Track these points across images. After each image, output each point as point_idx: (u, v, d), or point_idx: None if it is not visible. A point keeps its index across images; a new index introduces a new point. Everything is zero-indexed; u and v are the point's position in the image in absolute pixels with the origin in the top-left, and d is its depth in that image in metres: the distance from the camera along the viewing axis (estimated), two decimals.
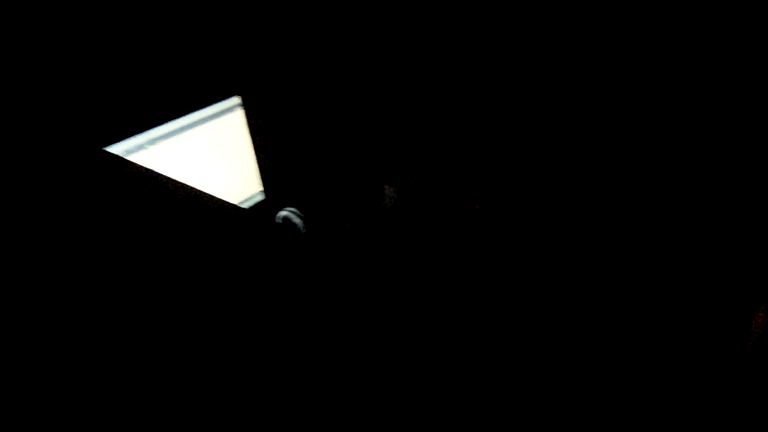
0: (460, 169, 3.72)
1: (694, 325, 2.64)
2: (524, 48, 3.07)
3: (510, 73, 3.22)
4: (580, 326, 2.70)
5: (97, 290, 1.20)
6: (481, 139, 3.59)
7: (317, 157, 3.97)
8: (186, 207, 1.47)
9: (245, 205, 3.71)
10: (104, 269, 1.24)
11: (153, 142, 2.82)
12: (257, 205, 3.75)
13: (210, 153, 3.26)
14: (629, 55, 2.73)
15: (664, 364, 2.52)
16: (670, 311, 2.72)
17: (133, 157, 2.79)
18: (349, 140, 4.00)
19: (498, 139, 3.51)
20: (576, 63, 2.91)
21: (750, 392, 2.41)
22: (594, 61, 2.86)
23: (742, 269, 2.76)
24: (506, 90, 3.29)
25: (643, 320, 2.73)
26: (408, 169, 3.82)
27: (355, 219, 3.82)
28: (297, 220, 2.72)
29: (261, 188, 3.75)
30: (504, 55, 3.18)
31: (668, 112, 2.76)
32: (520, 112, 3.31)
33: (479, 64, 3.30)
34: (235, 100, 3.36)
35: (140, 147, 2.77)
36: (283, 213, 2.87)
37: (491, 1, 3.01)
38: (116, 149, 2.67)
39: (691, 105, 2.68)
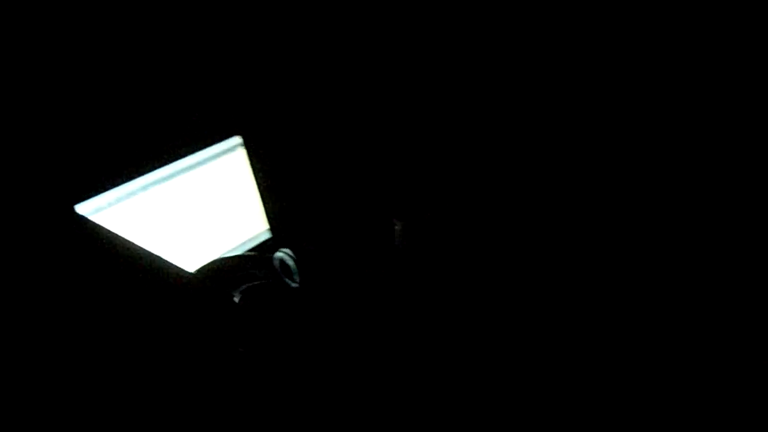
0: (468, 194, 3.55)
1: None
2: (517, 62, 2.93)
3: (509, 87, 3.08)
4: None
5: None
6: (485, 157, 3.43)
7: (322, 194, 3.88)
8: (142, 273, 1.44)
9: (251, 245, 3.65)
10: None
11: (147, 187, 2.81)
12: (264, 244, 3.69)
13: (211, 194, 3.23)
14: (621, 56, 2.56)
15: None
16: None
17: (126, 203, 2.78)
18: (354, 174, 3.90)
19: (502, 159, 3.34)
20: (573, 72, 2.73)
21: None
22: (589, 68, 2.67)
23: None
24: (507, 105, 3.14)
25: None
26: (416, 201, 3.67)
27: (366, 257, 3.68)
28: (290, 263, 2.61)
29: (267, 227, 3.68)
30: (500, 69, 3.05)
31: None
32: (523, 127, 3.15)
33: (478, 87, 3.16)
34: (237, 139, 3.34)
35: (132, 194, 2.77)
36: (278, 254, 2.77)
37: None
38: (107, 197, 2.67)
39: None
